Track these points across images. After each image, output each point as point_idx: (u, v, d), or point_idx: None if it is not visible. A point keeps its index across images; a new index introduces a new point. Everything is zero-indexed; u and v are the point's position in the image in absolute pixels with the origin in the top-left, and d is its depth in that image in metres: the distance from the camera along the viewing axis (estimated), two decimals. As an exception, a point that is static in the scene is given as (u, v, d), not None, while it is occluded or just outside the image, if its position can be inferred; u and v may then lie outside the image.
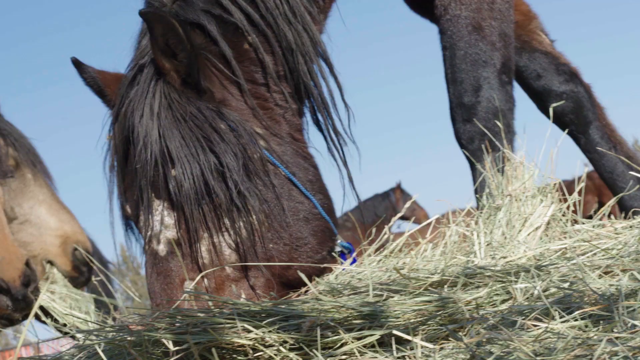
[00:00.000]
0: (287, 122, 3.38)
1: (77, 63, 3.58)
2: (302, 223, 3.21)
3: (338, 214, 3.42)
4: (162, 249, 3.13)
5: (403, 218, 17.66)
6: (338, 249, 3.34)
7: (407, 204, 4.02)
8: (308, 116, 3.52)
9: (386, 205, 17.53)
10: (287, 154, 3.27)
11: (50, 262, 5.84)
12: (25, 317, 4.64)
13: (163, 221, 3.14)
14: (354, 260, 3.30)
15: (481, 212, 3.34)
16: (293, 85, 3.42)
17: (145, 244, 3.22)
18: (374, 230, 3.47)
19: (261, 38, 3.37)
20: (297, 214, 3.20)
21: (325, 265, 3.20)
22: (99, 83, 3.56)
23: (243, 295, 3.09)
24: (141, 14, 3.15)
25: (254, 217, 3.11)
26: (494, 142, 3.60)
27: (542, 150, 3.49)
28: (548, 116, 4.23)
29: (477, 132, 3.66)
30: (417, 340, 2.07)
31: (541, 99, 4.39)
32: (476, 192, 3.59)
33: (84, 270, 6.00)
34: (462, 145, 3.72)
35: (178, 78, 3.19)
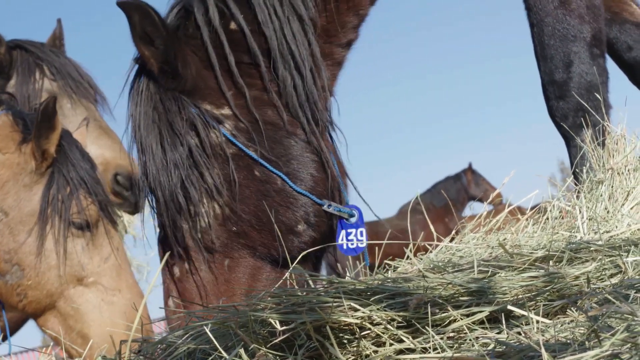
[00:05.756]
0: (273, 102, 3.31)
1: None
2: (266, 202, 3.18)
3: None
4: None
5: (477, 199, 17.48)
6: (345, 215, 3.27)
7: (497, 190, 3.98)
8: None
9: (458, 188, 17.35)
10: (260, 133, 3.23)
11: None
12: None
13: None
14: (361, 220, 3.24)
15: (582, 187, 3.28)
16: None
17: None
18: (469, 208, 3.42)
19: (248, 22, 3.32)
20: (263, 194, 3.19)
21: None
22: None
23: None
24: (118, 4, 3.19)
25: (208, 206, 3.16)
26: (589, 117, 3.55)
27: (643, 123, 3.42)
28: None
29: (571, 108, 3.61)
30: (533, 315, 2.03)
31: (633, 71, 4.31)
32: (574, 167, 3.54)
33: (127, 194, 5.75)
34: (556, 123, 3.68)
35: (156, 65, 3.23)
